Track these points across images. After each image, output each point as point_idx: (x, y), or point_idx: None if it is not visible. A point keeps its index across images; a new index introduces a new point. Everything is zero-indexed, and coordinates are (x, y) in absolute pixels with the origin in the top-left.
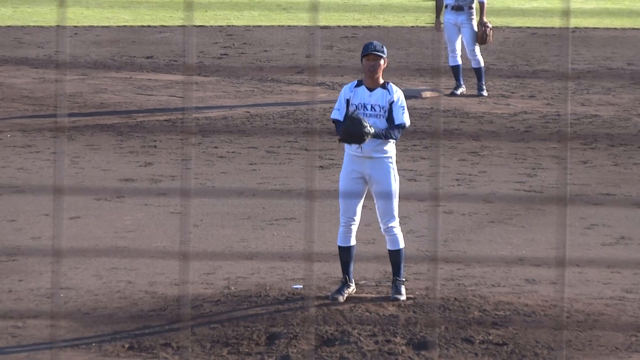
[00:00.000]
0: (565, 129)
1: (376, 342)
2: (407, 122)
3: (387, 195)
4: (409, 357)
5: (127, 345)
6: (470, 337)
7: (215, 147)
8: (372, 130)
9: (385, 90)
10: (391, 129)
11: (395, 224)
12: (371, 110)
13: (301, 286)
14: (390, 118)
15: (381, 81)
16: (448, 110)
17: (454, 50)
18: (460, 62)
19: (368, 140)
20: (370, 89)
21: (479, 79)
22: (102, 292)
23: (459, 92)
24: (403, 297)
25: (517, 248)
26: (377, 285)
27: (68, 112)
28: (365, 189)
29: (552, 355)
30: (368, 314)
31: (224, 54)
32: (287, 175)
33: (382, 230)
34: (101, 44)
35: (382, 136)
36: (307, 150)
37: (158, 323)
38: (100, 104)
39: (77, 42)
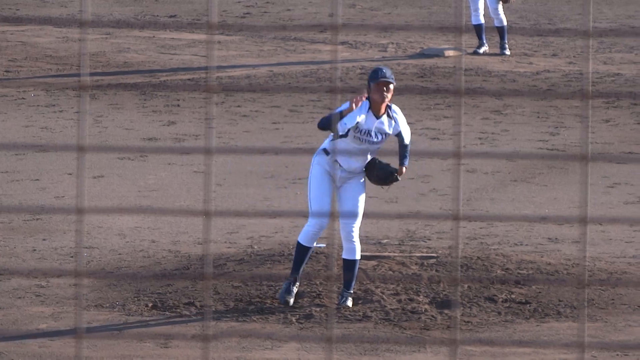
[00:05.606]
0: (587, 87)
1: (399, 301)
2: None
3: (356, 198)
4: (432, 316)
5: (150, 304)
6: (493, 296)
7: (239, 106)
8: (401, 173)
9: (390, 120)
10: (405, 151)
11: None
12: (375, 137)
13: (324, 245)
14: (400, 141)
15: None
16: (471, 69)
17: (476, 9)
18: (482, 20)
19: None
20: (377, 116)
21: (502, 38)
22: (125, 251)
23: (481, 50)
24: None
25: (540, 207)
26: (400, 244)
27: (91, 72)
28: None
29: (574, 314)
30: (391, 272)
31: (247, 13)
32: (310, 134)
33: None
34: (124, 2)
35: (407, 159)
36: (329, 109)
37: (181, 282)
38: (124, 63)
39: (100, 1)
